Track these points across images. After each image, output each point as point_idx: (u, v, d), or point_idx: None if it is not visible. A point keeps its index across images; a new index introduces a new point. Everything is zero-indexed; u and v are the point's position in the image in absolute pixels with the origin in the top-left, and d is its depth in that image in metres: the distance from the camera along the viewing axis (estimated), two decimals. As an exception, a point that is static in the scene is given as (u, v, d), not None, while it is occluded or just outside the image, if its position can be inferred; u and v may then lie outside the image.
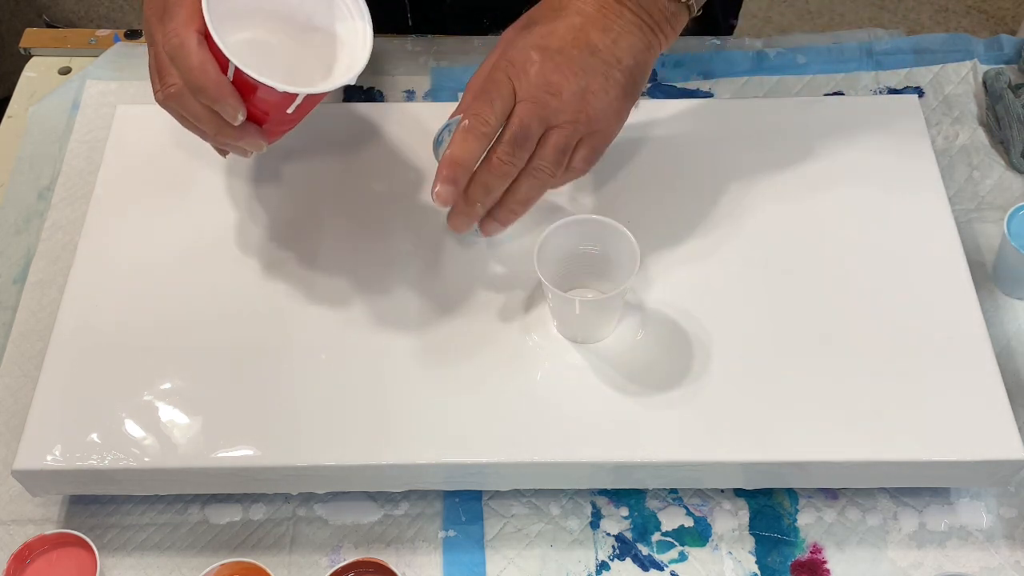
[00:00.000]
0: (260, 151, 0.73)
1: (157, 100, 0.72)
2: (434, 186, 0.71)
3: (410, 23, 1.08)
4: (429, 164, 0.84)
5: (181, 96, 0.69)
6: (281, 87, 0.67)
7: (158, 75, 0.70)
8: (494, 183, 0.71)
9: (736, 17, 1.15)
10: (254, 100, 0.69)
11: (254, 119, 0.71)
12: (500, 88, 0.70)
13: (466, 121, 0.70)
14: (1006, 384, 0.75)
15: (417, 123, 0.89)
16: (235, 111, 0.68)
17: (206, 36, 0.67)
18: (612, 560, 0.76)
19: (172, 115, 0.73)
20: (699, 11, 0.76)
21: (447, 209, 0.82)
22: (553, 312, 0.77)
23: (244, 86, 0.68)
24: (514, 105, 0.70)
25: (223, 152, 0.78)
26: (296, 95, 0.68)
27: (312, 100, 0.71)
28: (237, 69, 0.67)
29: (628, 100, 0.73)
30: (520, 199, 0.73)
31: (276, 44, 0.74)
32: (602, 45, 0.71)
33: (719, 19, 1.11)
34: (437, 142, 0.78)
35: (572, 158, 0.73)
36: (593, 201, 0.84)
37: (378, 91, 0.99)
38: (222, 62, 0.67)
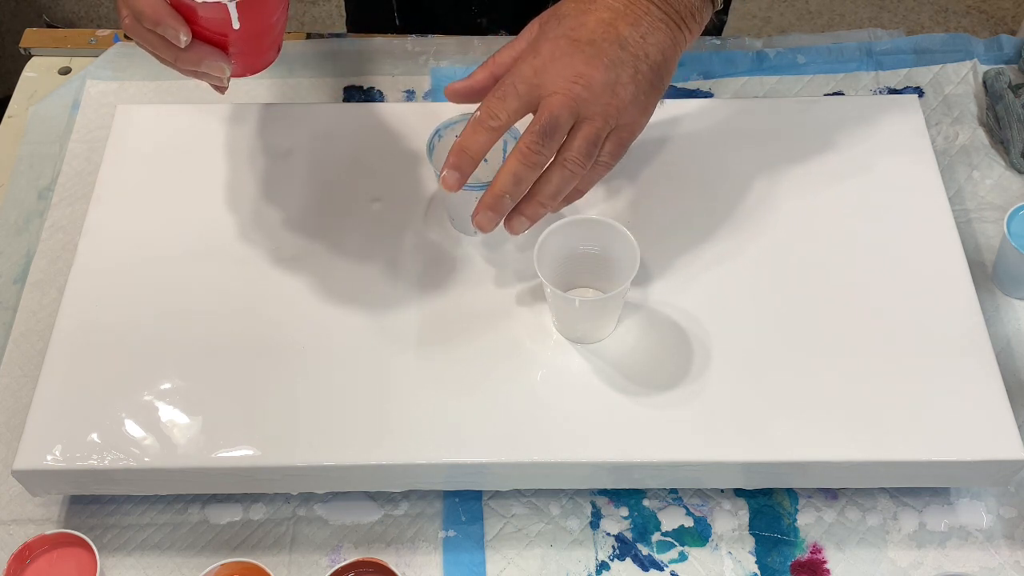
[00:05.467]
0: (223, 74, 0.74)
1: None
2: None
3: (397, 22, 1.08)
4: (428, 163, 0.84)
5: (133, 26, 0.72)
6: None
7: (118, 11, 0.73)
8: (524, 173, 0.70)
9: (726, 13, 1.15)
10: (200, 22, 0.71)
11: (212, 43, 0.73)
12: (519, 84, 0.70)
13: (478, 113, 0.71)
14: (1006, 384, 0.75)
15: (417, 123, 0.89)
16: (176, 32, 0.70)
17: None
18: (612, 560, 0.76)
19: (142, 48, 0.75)
20: (722, 5, 0.76)
21: (449, 210, 0.82)
22: (553, 312, 0.77)
23: (185, 10, 0.71)
24: (539, 100, 0.70)
25: (220, 90, 0.79)
26: (226, 6, 0.70)
27: (255, 12, 0.72)
28: None
29: (654, 95, 0.73)
30: (550, 192, 0.72)
31: None
32: (631, 39, 0.71)
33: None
34: (429, 148, 0.78)
35: (600, 152, 0.72)
36: (593, 201, 0.84)
37: (378, 91, 0.99)
38: None
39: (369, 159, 0.87)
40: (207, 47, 0.73)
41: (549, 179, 0.71)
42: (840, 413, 0.74)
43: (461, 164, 0.71)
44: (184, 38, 0.71)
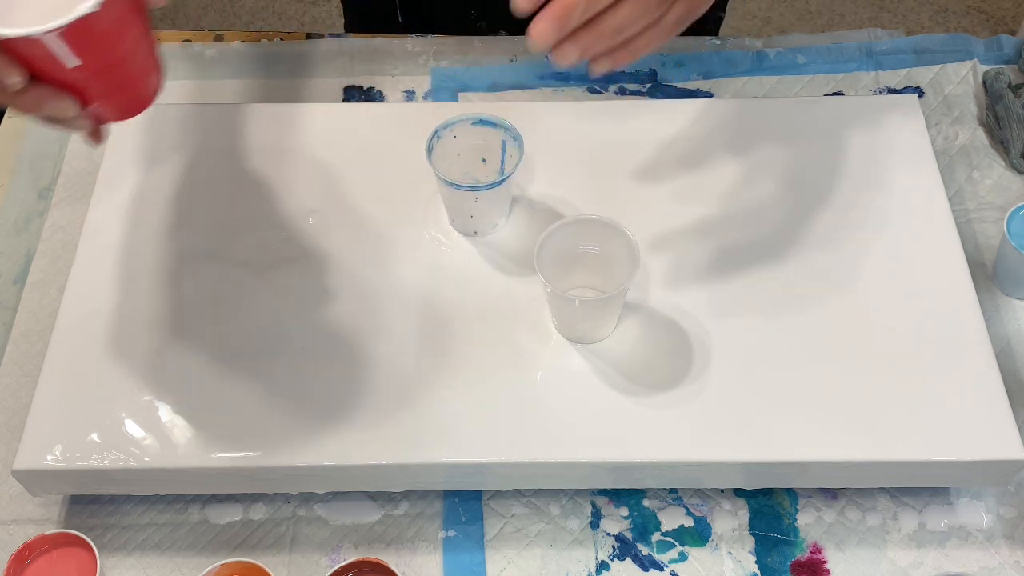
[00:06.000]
0: (67, 115, 0.65)
1: None
2: (535, 24, 0.64)
3: (400, 19, 1.08)
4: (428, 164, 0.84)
5: None
6: (10, 33, 0.58)
7: None
8: None
9: (723, 10, 1.14)
10: (34, 62, 0.61)
11: (63, 85, 0.63)
12: None
13: None
14: (1006, 384, 0.75)
15: (417, 123, 0.88)
16: (8, 71, 0.61)
17: None
18: (612, 560, 0.76)
19: None
20: None
21: (449, 211, 0.81)
22: (553, 312, 0.77)
23: (15, 53, 0.61)
24: None
25: (94, 140, 0.69)
26: (39, 40, 0.59)
27: (95, 44, 0.61)
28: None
29: None
30: (614, 25, 0.67)
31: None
32: None
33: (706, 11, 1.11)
34: (429, 149, 0.78)
35: (668, 10, 0.69)
36: (593, 201, 0.84)
37: (378, 91, 0.99)
38: None
39: (369, 159, 0.87)
40: (47, 88, 0.63)
41: (617, 11, 0.66)
42: (840, 413, 0.74)
43: (567, 18, 0.64)
44: (17, 79, 0.61)
